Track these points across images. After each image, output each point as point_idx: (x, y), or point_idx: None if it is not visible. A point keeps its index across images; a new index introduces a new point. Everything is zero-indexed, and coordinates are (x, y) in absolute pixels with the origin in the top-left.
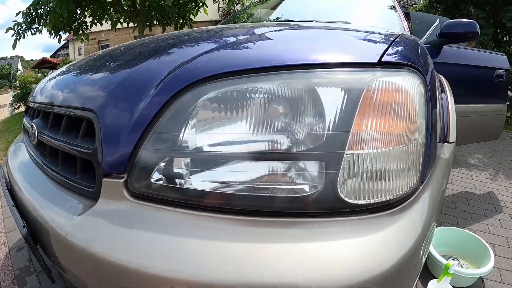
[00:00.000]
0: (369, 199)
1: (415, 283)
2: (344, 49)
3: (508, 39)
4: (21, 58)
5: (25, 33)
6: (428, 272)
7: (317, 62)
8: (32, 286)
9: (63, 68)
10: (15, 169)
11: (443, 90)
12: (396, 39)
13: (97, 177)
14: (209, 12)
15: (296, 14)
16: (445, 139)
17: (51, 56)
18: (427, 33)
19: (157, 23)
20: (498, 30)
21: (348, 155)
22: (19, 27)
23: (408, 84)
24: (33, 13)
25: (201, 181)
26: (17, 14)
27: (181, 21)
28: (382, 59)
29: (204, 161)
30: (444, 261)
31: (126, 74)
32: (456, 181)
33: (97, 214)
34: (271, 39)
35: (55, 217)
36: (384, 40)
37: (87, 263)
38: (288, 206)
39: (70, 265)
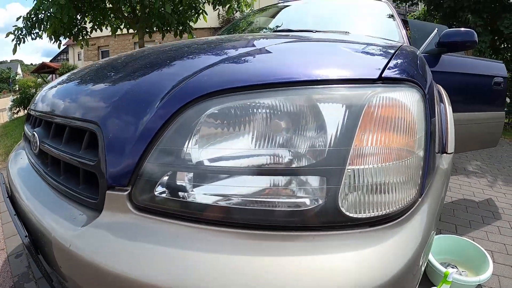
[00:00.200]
0: (369, 212)
1: None
2: (345, 64)
3: (505, 46)
4: (21, 62)
5: (25, 38)
6: (428, 280)
7: (319, 78)
8: None
9: (65, 77)
10: (16, 177)
11: (441, 100)
12: (396, 52)
13: (101, 189)
14: (209, 19)
15: (296, 23)
16: (443, 150)
17: (50, 61)
18: (426, 42)
19: (156, 29)
20: (496, 37)
21: (349, 170)
22: (20, 32)
23: (408, 99)
24: (34, 18)
25: (204, 195)
26: (17, 18)
27: (180, 28)
28: (383, 75)
29: (207, 175)
30: (443, 269)
31: (130, 86)
32: (455, 189)
33: (101, 226)
34: (272, 53)
35: (58, 228)
36: (384, 53)
37: (90, 273)
38: (290, 220)
39: (73, 275)
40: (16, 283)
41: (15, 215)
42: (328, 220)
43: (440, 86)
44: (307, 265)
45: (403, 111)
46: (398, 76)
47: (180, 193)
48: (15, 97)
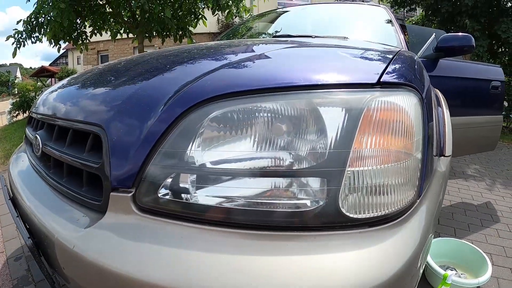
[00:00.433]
0: (368, 213)
1: None
2: (345, 69)
3: (503, 50)
4: (20, 66)
5: (25, 42)
6: (427, 282)
7: (319, 83)
8: None
9: (66, 81)
10: (18, 179)
11: (439, 104)
12: (394, 57)
13: (105, 191)
14: (208, 24)
15: (295, 29)
16: (441, 153)
17: (50, 65)
18: (424, 47)
19: (156, 34)
20: (494, 41)
21: (349, 172)
22: (20, 36)
23: (406, 103)
24: (34, 22)
25: (207, 196)
26: (17, 22)
27: (180, 32)
28: (381, 79)
29: (210, 177)
30: (442, 271)
31: (133, 90)
32: (454, 192)
33: (105, 227)
34: (273, 58)
35: (61, 229)
36: (382, 58)
37: (94, 275)
38: (291, 221)
39: (76, 277)
40: (15, 286)
41: (17, 217)
42: (328, 221)
43: (437, 90)
44: (308, 264)
45: (401, 114)
46: (396, 80)
47: (184, 195)
48: (14, 101)
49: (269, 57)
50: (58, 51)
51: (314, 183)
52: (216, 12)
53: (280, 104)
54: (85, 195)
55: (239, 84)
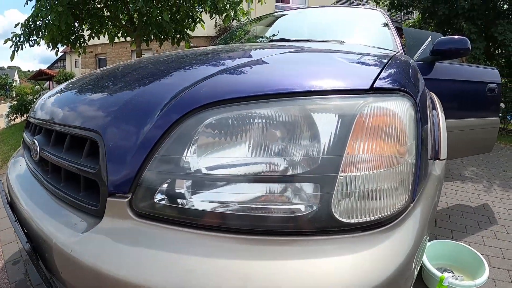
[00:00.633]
0: (361, 218)
1: None
2: (339, 75)
3: (500, 52)
4: (18, 69)
5: (23, 45)
6: (424, 285)
7: (313, 89)
8: None
9: (63, 85)
10: (16, 184)
11: (434, 107)
12: (389, 62)
13: (102, 196)
14: (206, 27)
15: (292, 33)
16: (436, 157)
17: (48, 68)
18: (420, 50)
19: (154, 38)
20: (490, 44)
21: (342, 177)
22: (18, 39)
23: (399, 108)
24: (32, 25)
25: (202, 202)
26: (16, 25)
27: (178, 36)
28: (374, 85)
29: (205, 182)
30: (438, 273)
31: (130, 96)
32: (451, 194)
33: (102, 232)
34: (268, 64)
35: (59, 234)
36: (377, 63)
37: (91, 279)
38: (285, 225)
39: (73, 281)
40: None
41: (15, 221)
42: (322, 225)
43: (433, 94)
44: (302, 268)
45: (393, 120)
46: (389, 86)
47: (179, 200)
48: (12, 104)
49: (265, 63)
50: (56, 54)
51: (307, 188)
52: (214, 15)
53: (274, 111)
54: (83, 200)
55: (234, 91)
